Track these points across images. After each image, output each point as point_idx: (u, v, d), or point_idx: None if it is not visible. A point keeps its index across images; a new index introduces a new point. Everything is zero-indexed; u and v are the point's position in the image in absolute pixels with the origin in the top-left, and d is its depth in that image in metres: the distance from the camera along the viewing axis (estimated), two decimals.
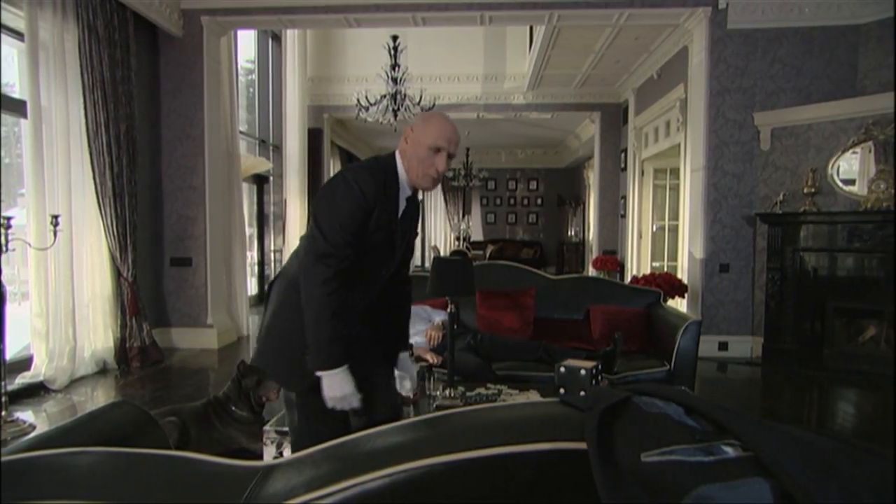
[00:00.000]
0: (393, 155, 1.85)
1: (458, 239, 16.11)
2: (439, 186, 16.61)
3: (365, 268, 1.80)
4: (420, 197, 1.99)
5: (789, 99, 5.44)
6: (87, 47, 4.53)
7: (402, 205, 1.85)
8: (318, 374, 1.70)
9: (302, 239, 1.86)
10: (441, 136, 1.76)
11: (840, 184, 5.14)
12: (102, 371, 4.82)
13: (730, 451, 0.73)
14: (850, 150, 5.08)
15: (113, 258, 4.91)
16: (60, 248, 4.35)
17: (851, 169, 5.17)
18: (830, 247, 5.11)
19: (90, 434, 1.33)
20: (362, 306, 1.88)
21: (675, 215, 7.76)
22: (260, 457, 2.56)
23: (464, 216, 16.30)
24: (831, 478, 0.68)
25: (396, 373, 2.11)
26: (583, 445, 0.73)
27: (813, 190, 5.09)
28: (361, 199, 1.71)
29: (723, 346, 5.54)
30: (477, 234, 16.48)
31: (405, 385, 2.18)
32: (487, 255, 14.66)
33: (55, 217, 3.86)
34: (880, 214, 4.76)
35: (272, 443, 2.47)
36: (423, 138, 1.77)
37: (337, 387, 1.69)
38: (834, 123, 5.13)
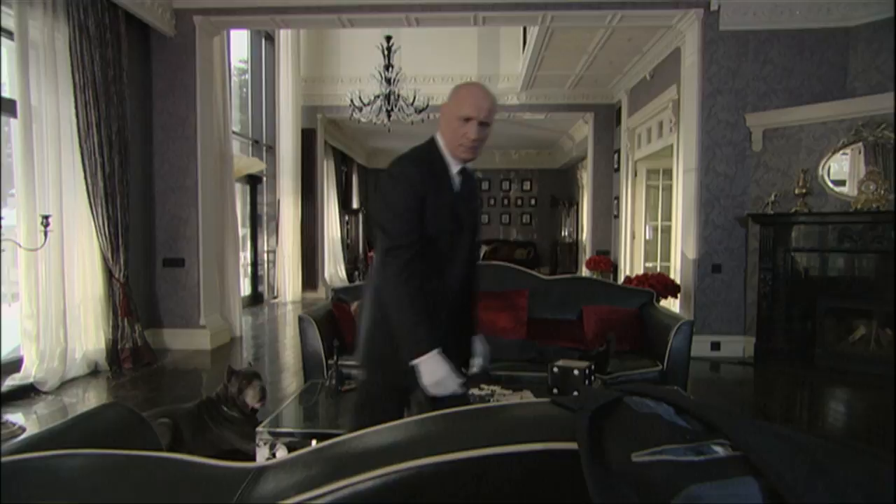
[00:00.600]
0: (432, 138, 1.88)
1: None
2: None
3: (439, 253, 1.81)
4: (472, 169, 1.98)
5: (781, 100, 5.48)
6: (78, 46, 4.50)
7: (457, 180, 1.87)
8: (413, 363, 1.70)
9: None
10: (468, 105, 1.78)
11: (831, 185, 5.18)
12: (94, 372, 4.79)
13: (720, 451, 0.73)
14: (841, 152, 5.12)
15: (104, 259, 4.88)
16: (51, 249, 4.32)
17: (842, 170, 5.22)
18: (821, 247, 5.14)
19: (81, 436, 1.32)
20: (449, 295, 1.87)
21: (667, 216, 7.79)
22: (253, 458, 2.55)
23: None
24: (819, 476, 0.69)
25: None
26: (574, 446, 0.73)
27: (804, 191, 5.12)
28: (408, 185, 1.75)
29: (715, 346, 5.57)
30: None
31: (475, 362, 2.09)
32: (482, 255, 14.66)
33: (45, 217, 3.83)
34: (870, 215, 4.80)
35: (265, 444, 2.46)
36: (452, 110, 1.80)
37: (431, 371, 1.69)
38: (825, 125, 5.17)
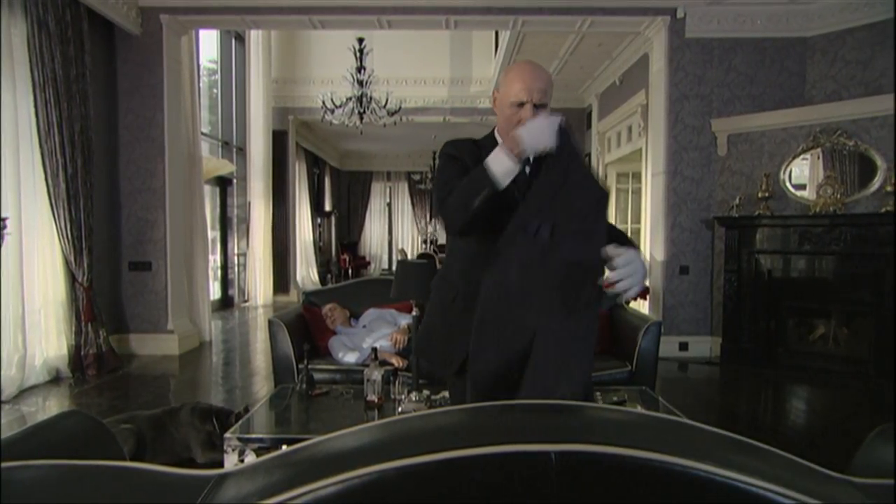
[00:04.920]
0: (490, 133, 1.79)
1: (425, 242, 16.12)
2: (406, 189, 16.64)
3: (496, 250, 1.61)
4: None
5: (744, 106, 5.64)
6: (36, 43, 4.37)
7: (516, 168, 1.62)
8: (494, 169, 1.48)
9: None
10: (518, 87, 1.63)
11: (792, 189, 5.35)
12: (55, 380, 4.65)
13: None
14: (801, 157, 5.29)
15: (67, 262, 4.74)
16: (9, 252, 4.18)
17: (802, 174, 5.39)
18: (784, 249, 5.31)
19: (37, 446, 1.28)
20: (510, 292, 1.58)
21: (637, 218, 7.93)
22: (217, 467, 2.51)
23: (431, 219, 16.31)
24: None
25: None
26: (539, 447, 0.75)
27: (767, 194, 5.28)
28: (454, 161, 1.64)
29: (683, 347, 5.69)
30: (444, 237, 16.50)
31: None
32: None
33: (2, 220, 3.71)
34: (828, 218, 4.97)
35: (234, 450, 2.43)
36: (504, 97, 1.67)
37: (536, 128, 1.49)
38: (785, 130, 5.35)
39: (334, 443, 0.82)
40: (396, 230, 16.86)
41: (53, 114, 4.49)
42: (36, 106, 4.42)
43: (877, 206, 4.80)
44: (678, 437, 0.87)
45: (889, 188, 4.67)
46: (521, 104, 1.62)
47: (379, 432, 0.84)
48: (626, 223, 8.50)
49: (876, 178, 4.85)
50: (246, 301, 9.49)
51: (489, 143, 1.69)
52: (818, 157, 5.22)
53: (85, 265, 4.80)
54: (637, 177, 7.90)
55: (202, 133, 7.18)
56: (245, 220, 9.51)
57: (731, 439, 0.91)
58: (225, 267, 9.25)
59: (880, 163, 4.82)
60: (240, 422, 2.60)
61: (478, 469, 0.72)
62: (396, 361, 3.36)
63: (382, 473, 0.70)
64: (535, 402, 0.90)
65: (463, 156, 1.65)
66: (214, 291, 8.61)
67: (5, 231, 3.71)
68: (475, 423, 0.87)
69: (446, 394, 2.86)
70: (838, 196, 4.98)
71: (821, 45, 5.54)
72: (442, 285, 1.82)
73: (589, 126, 9.33)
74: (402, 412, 2.62)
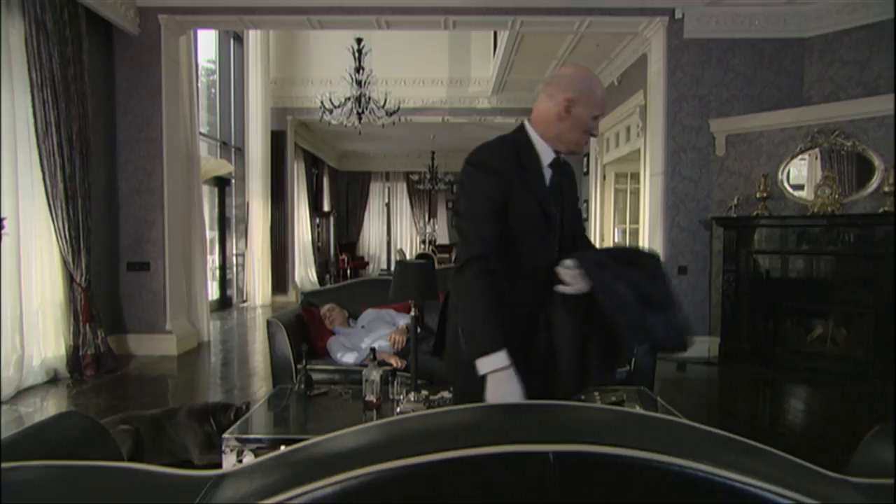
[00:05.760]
0: (522, 125, 1.68)
1: (423, 242, 16.12)
2: (405, 189, 16.65)
3: (522, 256, 1.59)
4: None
5: (742, 107, 5.65)
6: (34, 43, 4.36)
7: (548, 173, 1.65)
8: (480, 369, 1.45)
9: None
10: (600, 101, 1.62)
11: (790, 189, 5.36)
12: (53, 380, 4.64)
13: None
14: (799, 157, 5.30)
15: (65, 263, 4.74)
16: (7, 253, 4.17)
17: (800, 174, 5.40)
18: (782, 249, 5.31)
19: (35, 447, 1.28)
20: (531, 301, 1.61)
21: (635, 219, 7.94)
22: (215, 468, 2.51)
23: (429, 219, 16.31)
24: None
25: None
26: (537, 447, 0.75)
27: (765, 195, 5.28)
28: (493, 176, 1.54)
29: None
30: (443, 238, 16.51)
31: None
32: (453, 258, 14.70)
33: (0, 220, 3.70)
34: (826, 218, 4.98)
35: (232, 450, 2.42)
36: (590, 108, 1.60)
37: (498, 389, 1.42)
38: (783, 131, 5.35)
39: (332, 443, 0.82)
40: (395, 230, 16.85)
41: (51, 114, 4.48)
42: (34, 106, 4.41)
43: (875, 207, 4.81)
44: (676, 438, 0.88)
45: (887, 188, 4.68)
46: (597, 117, 1.63)
47: (377, 433, 0.84)
48: (625, 223, 8.51)
49: (874, 179, 4.86)
50: (244, 301, 9.48)
51: (527, 146, 1.64)
52: (816, 158, 5.23)
53: (83, 265, 4.79)
54: (635, 177, 7.91)
55: (200, 133, 7.17)
56: (243, 221, 9.51)
57: (728, 439, 0.91)
58: (223, 267, 9.24)
59: (878, 163, 4.83)
60: (238, 422, 2.59)
61: (475, 469, 0.72)
62: (395, 362, 3.36)
63: (380, 474, 0.70)
64: (532, 403, 0.90)
65: (506, 167, 1.57)
66: (213, 292, 8.60)
67: (3, 231, 3.71)
68: (472, 424, 0.87)
69: (445, 394, 2.86)
70: (836, 196, 4.99)
71: (819, 45, 5.55)
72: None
73: None
74: (401, 412, 2.62)
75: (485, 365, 1.45)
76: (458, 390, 1.76)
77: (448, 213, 16.75)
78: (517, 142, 1.64)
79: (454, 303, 1.67)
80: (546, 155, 1.64)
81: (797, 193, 5.34)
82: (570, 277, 1.52)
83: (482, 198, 1.54)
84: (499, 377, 1.44)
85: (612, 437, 0.79)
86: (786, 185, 5.36)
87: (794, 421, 4.05)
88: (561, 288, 1.54)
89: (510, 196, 1.55)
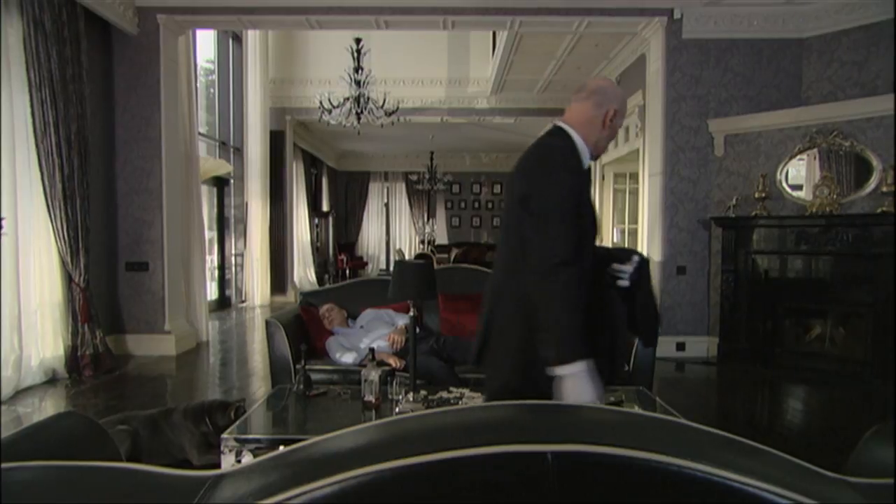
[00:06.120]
0: (562, 132, 1.72)
1: (422, 242, 16.11)
2: (404, 189, 16.65)
3: (584, 258, 1.61)
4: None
5: (741, 107, 5.66)
6: (33, 43, 4.35)
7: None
8: (558, 372, 1.49)
9: (502, 237, 1.74)
10: (625, 105, 1.81)
11: (788, 189, 5.36)
12: (52, 380, 4.63)
13: None
14: (797, 157, 5.31)
15: (63, 263, 4.73)
16: (6, 253, 4.17)
17: (799, 175, 5.41)
18: (780, 249, 5.32)
19: (33, 447, 1.28)
20: (589, 300, 1.64)
21: (634, 219, 7.95)
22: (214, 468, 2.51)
23: (428, 219, 16.31)
24: None
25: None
26: (536, 447, 0.75)
27: (763, 195, 5.29)
28: (572, 178, 1.60)
29: (680, 347, 5.70)
30: (442, 238, 16.51)
31: None
32: (452, 258, 14.70)
33: None
34: (824, 218, 4.99)
35: (231, 451, 2.42)
36: (623, 111, 1.77)
37: (579, 390, 1.47)
38: (782, 131, 5.36)
39: (331, 443, 0.82)
40: (394, 231, 16.85)
41: (50, 114, 4.48)
42: (32, 106, 4.40)
43: (873, 207, 4.82)
44: (675, 438, 0.88)
45: (885, 188, 4.69)
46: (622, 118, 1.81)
47: (375, 433, 0.84)
48: (624, 224, 8.52)
49: (872, 179, 4.87)
50: (243, 301, 9.47)
51: (576, 155, 1.71)
52: (814, 158, 5.23)
53: (81, 265, 4.79)
54: (634, 177, 7.92)
55: (199, 133, 7.17)
56: (242, 221, 9.50)
57: (727, 439, 0.92)
58: (222, 267, 9.23)
59: (876, 163, 4.83)
60: (237, 422, 2.59)
61: (474, 469, 0.72)
62: (394, 362, 3.36)
63: (379, 474, 0.70)
64: (531, 403, 0.90)
65: (579, 169, 1.68)
66: (211, 292, 8.59)
67: (2, 231, 3.70)
68: (471, 424, 0.87)
69: (444, 394, 2.87)
70: (834, 196, 4.99)
71: (817, 46, 5.56)
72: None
73: None
74: (400, 412, 2.62)
75: (566, 368, 1.49)
76: (506, 389, 1.70)
77: (447, 214, 16.75)
78: (572, 150, 1.69)
79: (522, 304, 1.63)
80: (586, 158, 1.73)
81: (796, 193, 5.34)
82: (630, 273, 1.63)
83: (564, 200, 1.56)
84: (580, 378, 1.48)
85: (611, 437, 0.79)
86: (784, 185, 5.37)
87: (792, 421, 4.06)
88: (620, 283, 1.64)
89: (580, 199, 1.62)
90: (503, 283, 1.73)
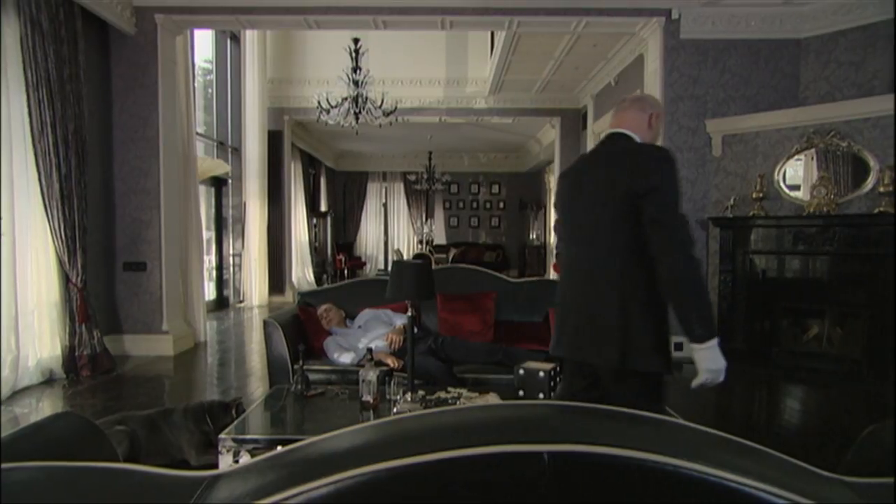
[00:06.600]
0: (622, 136, 2.01)
1: (420, 242, 16.11)
2: (402, 189, 16.65)
3: None
4: None
5: (739, 107, 5.67)
6: (29, 42, 4.34)
7: None
8: (696, 346, 1.78)
9: (601, 227, 1.91)
10: None
11: (786, 189, 5.37)
12: (49, 381, 4.62)
13: None
14: (795, 157, 5.32)
15: (61, 263, 4.72)
16: (3, 253, 4.16)
17: (796, 175, 5.42)
18: (778, 249, 5.33)
19: (30, 448, 1.28)
20: None
21: None
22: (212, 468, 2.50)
23: (427, 219, 16.31)
24: None
25: None
26: (532, 447, 0.75)
27: (761, 195, 5.30)
28: (676, 175, 1.88)
29: (678, 347, 5.64)
30: (440, 238, 16.52)
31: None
32: (450, 258, 14.71)
33: None
34: (821, 218, 5.00)
35: (229, 451, 2.42)
36: (663, 115, 2.11)
37: (716, 358, 1.78)
38: (779, 131, 5.37)
39: (327, 444, 0.82)
40: (392, 231, 16.85)
41: (47, 113, 4.47)
42: (29, 105, 4.39)
43: (870, 207, 4.83)
44: (670, 437, 0.88)
45: (882, 189, 4.70)
46: None
47: (372, 433, 0.84)
48: None
49: (869, 179, 4.88)
50: (241, 302, 9.46)
51: None
52: (812, 158, 5.24)
53: (79, 265, 4.78)
54: None
55: (197, 133, 7.16)
56: (240, 221, 9.49)
57: (722, 439, 0.92)
58: (220, 267, 9.22)
59: (873, 163, 4.85)
60: (235, 422, 2.59)
61: (470, 469, 0.72)
62: (392, 362, 3.36)
63: (375, 474, 0.70)
64: (527, 402, 0.90)
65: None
66: (209, 292, 8.58)
67: None
68: (468, 424, 0.87)
69: (442, 394, 2.87)
70: (832, 197, 5.00)
71: (814, 46, 5.57)
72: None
73: (584, 127, 9.35)
74: (398, 413, 2.62)
75: (709, 343, 1.78)
76: (638, 377, 1.93)
77: (445, 214, 16.74)
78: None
79: (640, 287, 1.87)
80: None
81: (793, 194, 5.36)
82: None
83: (679, 192, 1.86)
84: (715, 350, 1.79)
85: (607, 437, 0.79)
86: (782, 185, 5.38)
87: (789, 420, 4.07)
88: None
89: None
90: (606, 270, 1.92)
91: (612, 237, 1.91)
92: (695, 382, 1.83)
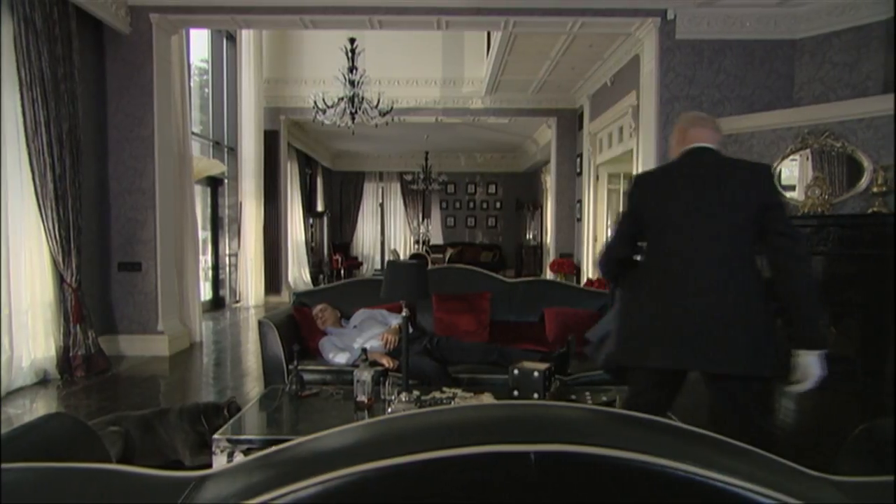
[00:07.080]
0: (714, 152, 2.15)
1: (417, 242, 16.11)
2: (398, 189, 16.65)
3: None
4: None
5: (734, 107, 5.68)
6: (23, 41, 4.32)
7: None
8: (812, 352, 1.96)
9: (726, 238, 2.04)
10: None
11: (781, 189, 5.38)
12: (43, 381, 4.60)
13: None
14: (789, 158, 5.33)
15: (55, 263, 4.70)
16: None
17: (792, 175, 5.44)
18: None
19: (22, 449, 1.27)
20: None
21: None
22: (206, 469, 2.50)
23: (423, 219, 16.31)
24: None
25: None
26: (519, 447, 0.75)
27: None
28: None
29: None
30: (437, 238, 16.52)
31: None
32: (447, 258, 14.71)
33: None
34: (816, 219, 5.01)
35: (223, 451, 2.41)
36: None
37: (821, 366, 1.93)
38: (774, 132, 5.39)
39: (316, 444, 0.82)
40: (389, 231, 16.84)
41: (41, 113, 4.45)
42: (23, 105, 4.38)
43: (864, 207, 4.85)
44: (659, 438, 0.88)
45: (875, 189, 4.72)
46: None
47: (362, 433, 0.84)
48: None
49: (863, 179, 4.90)
50: (237, 302, 9.44)
51: None
52: (807, 159, 5.26)
53: (73, 265, 4.76)
54: (628, 178, 7.93)
55: (193, 133, 7.14)
56: (236, 221, 9.47)
57: (711, 439, 0.92)
58: (216, 267, 9.20)
59: (867, 164, 4.86)
60: (229, 423, 2.59)
61: (458, 469, 0.72)
62: (387, 362, 3.36)
63: (364, 474, 0.70)
64: (515, 402, 0.91)
65: None
66: (205, 292, 8.56)
67: None
68: (456, 424, 0.87)
69: (437, 394, 2.87)
70: (826, 197, 5.02)
71: (809, 47, 5.59)
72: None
73: (580, 127, 9.36)
74: (392, 413, 2.62)
75: (822, 350, 1.96)
76: (761, 384, 2.14)
77: (442, 214, 16.74)
78: None
79: (762, 294, 2.11)
80: None
81: (788, 194, 5.37)
82: None
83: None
84: (823, 357, 1.96)
85: (595, 436, 0.79)
86: (777, 185, 5.39)
87: (784, 420, 4.08)
88: None
89: None
90: (739, 280, 2.06)
91: (740, 248, 2.04)
92: (800, 387, 1.98)
